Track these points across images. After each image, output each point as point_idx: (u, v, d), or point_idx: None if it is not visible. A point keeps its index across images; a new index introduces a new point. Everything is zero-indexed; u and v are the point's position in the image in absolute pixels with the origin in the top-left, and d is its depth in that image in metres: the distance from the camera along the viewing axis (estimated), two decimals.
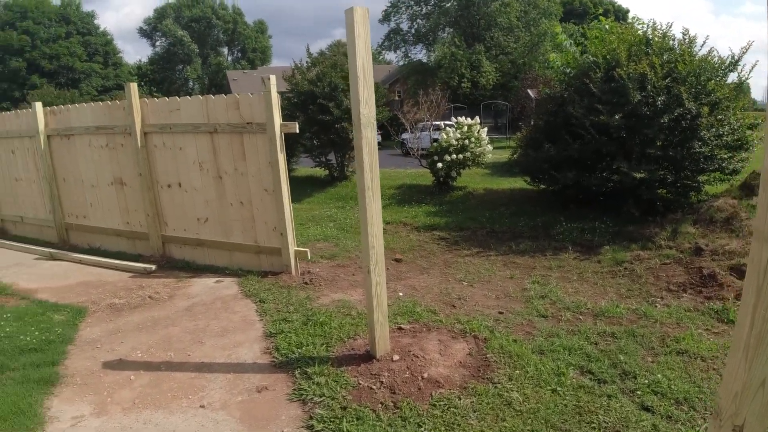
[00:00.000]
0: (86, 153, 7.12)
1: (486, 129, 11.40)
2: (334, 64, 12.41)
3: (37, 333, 4.51)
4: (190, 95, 6.54)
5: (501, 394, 3.31)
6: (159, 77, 45.60)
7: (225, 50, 53.56)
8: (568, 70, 8.86)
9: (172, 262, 6.50)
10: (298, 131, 5.53)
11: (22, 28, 36.16)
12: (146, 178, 6.43)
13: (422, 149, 12.53)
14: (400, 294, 5.37)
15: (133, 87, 6.34)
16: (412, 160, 17.29)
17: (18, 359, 4.09)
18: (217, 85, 45.57)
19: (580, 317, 4.63)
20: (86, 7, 40.23)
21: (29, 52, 36.12)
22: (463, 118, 11.30)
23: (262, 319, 4.73)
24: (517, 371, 3.58)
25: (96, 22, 42.16)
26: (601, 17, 10.33)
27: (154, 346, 4.31)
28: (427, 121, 12.46)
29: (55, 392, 3.65)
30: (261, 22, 55.64)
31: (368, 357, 3.89)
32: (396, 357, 3.89)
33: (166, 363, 4.03)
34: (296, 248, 5.89)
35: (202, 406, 3.42)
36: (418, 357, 3.94)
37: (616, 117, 7.05)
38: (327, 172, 12.65)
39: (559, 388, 3.36)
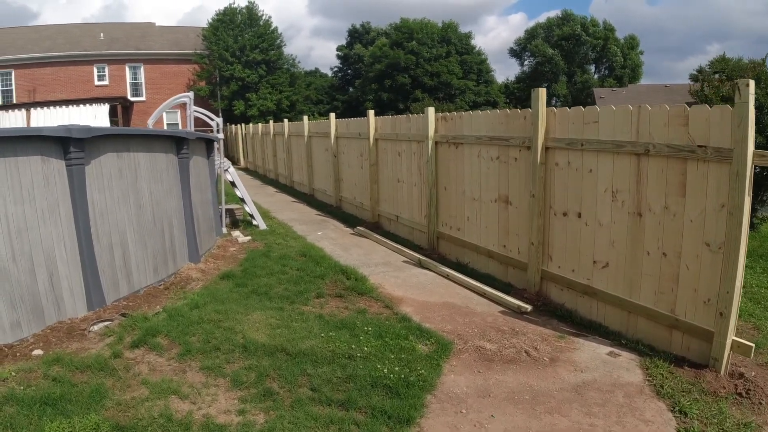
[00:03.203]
0: (473, 164, 6.60)
1: None
2: (757, 77, 9.21)
3: (396, 368, 3.86)
4: None
5: None
6: (524, 95, 46.80)
7: (592, 67, 51.20)
8: None
9: (549, 305, 5.29)
10: None
11: (409, 48, 42.03)
12: (538, 201, 5.39)
13: None
14: None
15: (542, 93, 5.36)
16: None
17: (369, 396, 3.45)
18: (581, 103, 43.67)
19: None
20: (462, 29, 44.25)
21: (413, 70, 41.73)
22: None
23: None
24: None
25: (472, 42, 45.91)
26: None
27: None
28: None
29: None
30: (632, 37, 50.83)
31: None
32: None
33: None
34: (735, 338, 3.88)
35: None
36: None
37: None
38: None
39: None
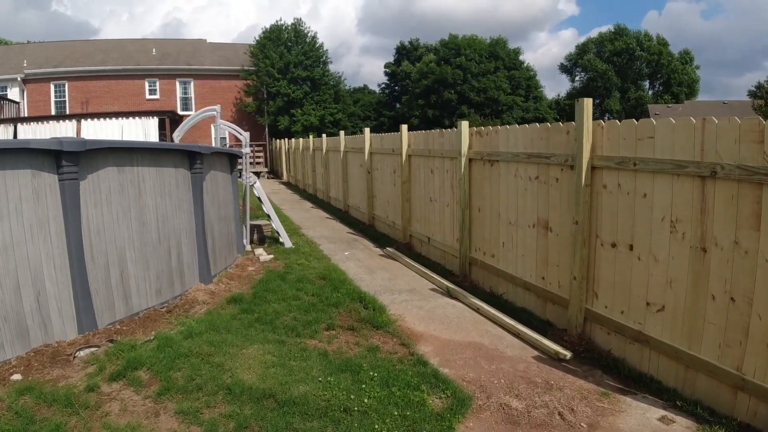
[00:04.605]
0: (509, 183, 5.94)
1: None
2: None
3: (396, 430, 3.22)
4: None
5: None
6: (574, 111, 44.98)
7: (646, 83, 49.11)
8: None
9: (592, 351, 4.53)
10: None
11: (456, 63, 41.44)
12: (582, 229, 4.67)
13: None
14: None
15: (587, 104, 4.68)
16: None
17: None
18: (635, 119, 42.11)
19: None
20: (512, 46, 43.55)
21: (460, 85, 41.09)
22: None
23: None
24: None
25: (521, 58, 44.90)
26: None
27: None
28: None
29: None
30: (686, 51, 48.56)
31: None
32: None
33: None
34: None
35: None
36: None
37: None
38: None
39: None
